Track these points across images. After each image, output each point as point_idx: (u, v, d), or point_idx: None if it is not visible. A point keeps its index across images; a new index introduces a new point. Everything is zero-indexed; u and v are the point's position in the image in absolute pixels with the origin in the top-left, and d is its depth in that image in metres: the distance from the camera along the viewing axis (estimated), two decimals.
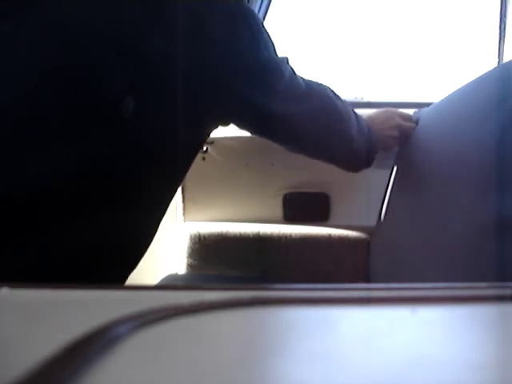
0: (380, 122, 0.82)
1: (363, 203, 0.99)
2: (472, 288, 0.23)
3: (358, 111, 0.87)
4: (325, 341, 0.17)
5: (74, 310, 0.20)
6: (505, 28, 1.01)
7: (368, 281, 0.90)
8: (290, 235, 1.02)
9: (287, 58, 0.63)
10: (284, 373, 0.14)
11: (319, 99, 0.67)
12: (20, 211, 0.41)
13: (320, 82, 0.71)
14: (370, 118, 0.81)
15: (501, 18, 1.01)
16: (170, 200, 0.59)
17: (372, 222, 0.93)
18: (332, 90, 0.71)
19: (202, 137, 0.61)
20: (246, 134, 0.96)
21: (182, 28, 0.48)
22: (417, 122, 0.83)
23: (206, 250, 1.04)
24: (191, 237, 1.05)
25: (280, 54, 0.65)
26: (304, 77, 0.68)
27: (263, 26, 0.58)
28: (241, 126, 0.67)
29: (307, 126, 0.66)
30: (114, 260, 0.50)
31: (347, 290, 0.23)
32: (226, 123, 0.65)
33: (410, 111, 0.89)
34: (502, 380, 0.13)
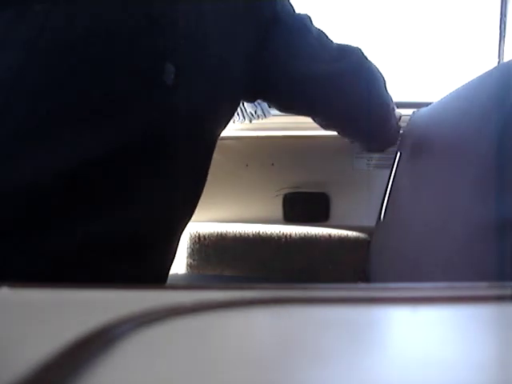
0: None
1: (363, 203, 0.99)
2: (472, 288, 0.23)
3: None
4: (324, 341, 0.17)
5: (74, 309, 0.20)
6: (505, 28, 1.01)
7: (368, 281, 0.90)
8: (290, 235, 1.02)
9: (310, 17, 0.60)
10: (284, 373, 0.14)
11: (355, 58, 0.63)
12: (63, 187, 0.41)
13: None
14: None
15: (501, 18, 1.01)
16: (204, 183, 0.58)
17: (372, 222, 0.93)
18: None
19: (231, 109, 0.59)
20: (246, 133, 0.96)
21: None
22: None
23: (205, 249, 1.04)
24: (191, 237, 1.05)
25: None
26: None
27: None
28: (273, 95, 0.64)
29: (347, 87, 0.62)
30: (152, 246, 0.49)
31: (347, 289, 0.23)
32: (259, 91, 0.62)
33: (410, 111, 0.89)
34: (502, 380, 0.13)
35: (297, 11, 0.60)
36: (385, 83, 0.69)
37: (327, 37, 0.61)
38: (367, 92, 0.65)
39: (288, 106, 0.67)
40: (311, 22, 0.60)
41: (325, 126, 0.75)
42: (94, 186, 0.42)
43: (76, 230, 0.42)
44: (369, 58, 0.66)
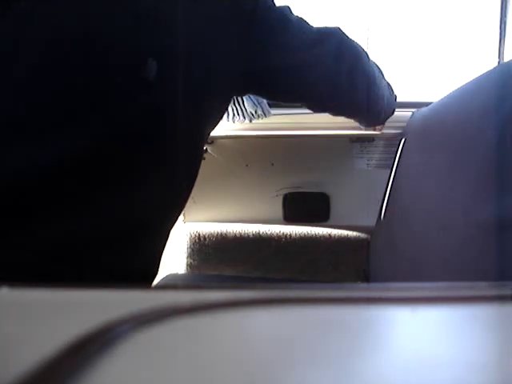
0: None
1: (363, 203, 0.99)
2: (472, 288, 0.23)
3: None
4: (325, 341, 0.17)
5: (74, 310, 0.20)
6: (505, 28, 1.01)
7: (368, 281, 0.90)
8: (290, 235, 1.02)
9: (289, 7, 0.62)
10: (284, 373, 0.14)
11: (335, 39, 0.65)
12: (41, 187, 0.41)
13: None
14: None
15: (501, 18, 1.01)
16: (193, 183, 0.58)
17: (372, 222, 0.93)
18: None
19: (220, 107, 0.60)
20: (246, 133, 0.96)
21: None
22: None
23: (205, 249, 1.04)
24: (191, 237, 1.05)
25: None
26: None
27: None
28: (260, 87, 0.65)
29: (329, 70, 0.64)
30: (127, 245, 0.49)
31: (347, 290, 0.23)
32: (247, 86, 0.63)
33: (410, 111, 0.89)
34: (502, 380, 0.13)
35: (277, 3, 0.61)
36: (367, 56, 0.72)
37: (307, 23, 0.63)
38: (349, 72, 0.67)
39: (276, 96, 0.70)
40: (290, 11, 0.62)
41: (313, 109, 0.77)
42: (73, 183, 0.43)
43: (58, 225, 0.42)
44: (348, 36, 0.68)
